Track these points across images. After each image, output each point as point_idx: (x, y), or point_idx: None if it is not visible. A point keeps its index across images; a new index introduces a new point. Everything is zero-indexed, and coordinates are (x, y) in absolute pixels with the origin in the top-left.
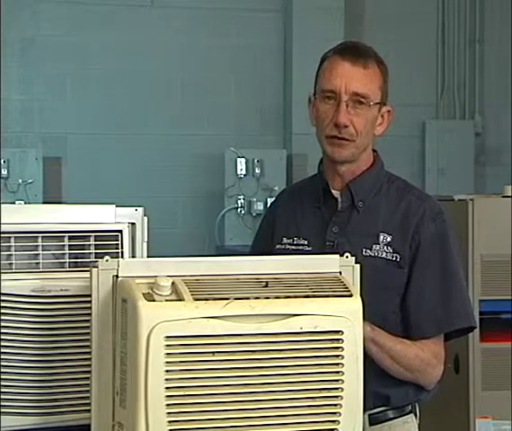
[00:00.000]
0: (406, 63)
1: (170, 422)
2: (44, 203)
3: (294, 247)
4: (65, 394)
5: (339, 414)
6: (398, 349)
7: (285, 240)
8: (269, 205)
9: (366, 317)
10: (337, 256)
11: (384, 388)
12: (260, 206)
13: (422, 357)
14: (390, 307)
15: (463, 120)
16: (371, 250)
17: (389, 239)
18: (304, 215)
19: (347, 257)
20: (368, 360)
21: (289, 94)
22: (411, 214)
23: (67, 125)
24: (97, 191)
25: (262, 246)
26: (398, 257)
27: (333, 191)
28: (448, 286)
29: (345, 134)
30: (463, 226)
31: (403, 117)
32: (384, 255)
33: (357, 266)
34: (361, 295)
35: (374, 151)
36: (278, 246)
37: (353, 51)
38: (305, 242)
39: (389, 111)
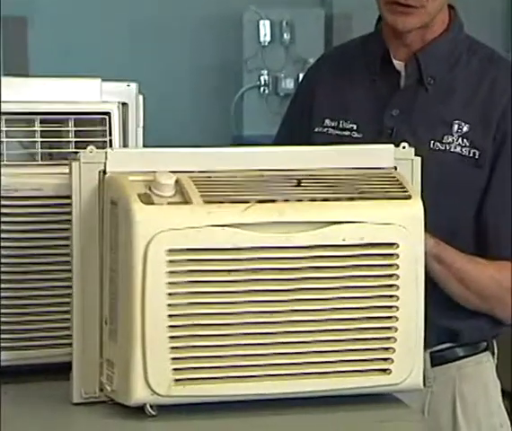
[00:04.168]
0: None
1: (173, 360)
2: (6, 76)
3: (338, 132)
4: (39, 323)
5: (393, 350)
6: (469, 270)
7: (327, 122)
8: (303, 75)
9: (429, 228)
10: (391, 146)
11: (451, 320)
12: (289, 84)
13: (500, 281)
14: (462, 217)
15: None
16: (441, 142)
17: (466, 128)
18: (353, 90)
19: (404, 147)
20: (431, 284)
21: None
22: (497, 95)
23: None
24: (76, 62)
25: (294, 130)
26: (477, 152)
27: (395, 62)
28: None
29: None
30: None
31: None
32: (458, 149)
33: (418, 159)
34: (424, 199)
35: (450, 7)
36: (317, 129)
37: None
38: (354, 127)
39: None
